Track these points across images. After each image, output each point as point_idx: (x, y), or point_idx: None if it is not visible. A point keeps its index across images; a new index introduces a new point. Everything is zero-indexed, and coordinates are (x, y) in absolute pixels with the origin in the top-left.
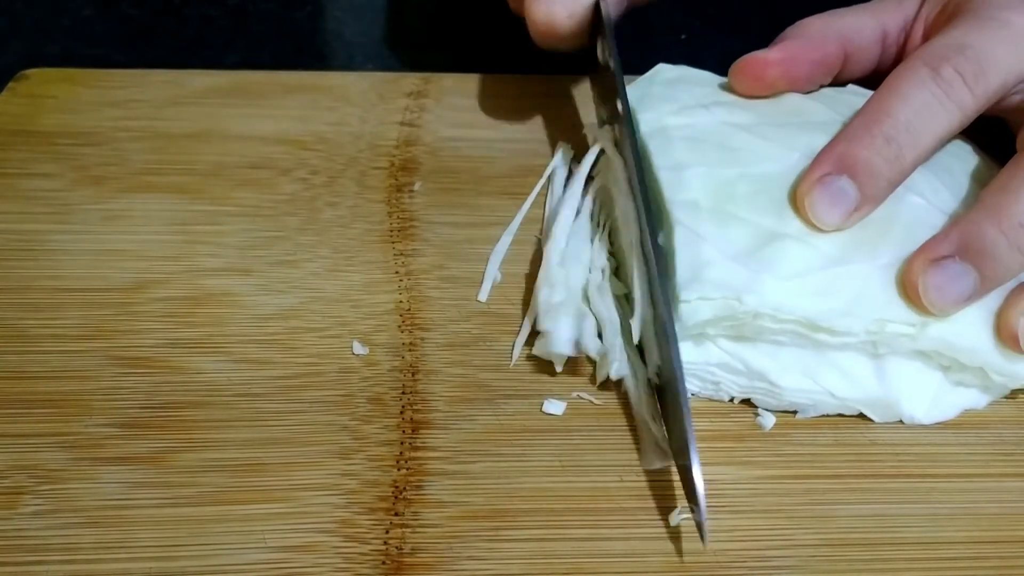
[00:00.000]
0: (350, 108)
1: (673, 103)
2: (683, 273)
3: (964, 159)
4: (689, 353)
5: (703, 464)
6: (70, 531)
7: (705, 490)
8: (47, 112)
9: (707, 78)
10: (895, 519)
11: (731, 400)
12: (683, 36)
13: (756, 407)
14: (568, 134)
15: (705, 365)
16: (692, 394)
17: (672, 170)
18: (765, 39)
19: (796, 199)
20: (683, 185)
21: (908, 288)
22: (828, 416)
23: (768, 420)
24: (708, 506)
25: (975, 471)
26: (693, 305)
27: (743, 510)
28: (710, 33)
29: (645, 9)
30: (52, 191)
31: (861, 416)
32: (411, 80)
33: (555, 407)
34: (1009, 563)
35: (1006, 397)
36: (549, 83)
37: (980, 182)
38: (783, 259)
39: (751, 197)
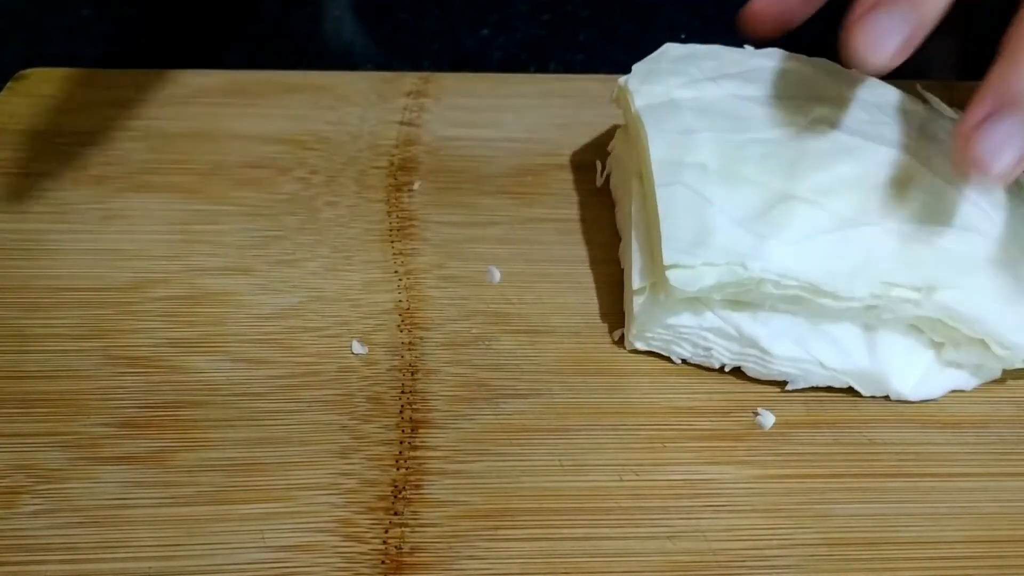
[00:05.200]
0: (349, 108)
1: (682, 77)
2: (687, 238)
3: None
4: (682, 317)
5: (702, 463)
6: (69, 531)
7: None
8: (46, 112)
9: (716, 51)
10: (894, 518)
11: (721, 368)
12: (683, 36)
13: (756, 407)
14: (568, 134)
15: (698, 329)
16: (683, 360)
17: (681, 133)
18: (764, 38)
19: (843, 39)
20: (692, 147)
21: (962, 163)
22: (818, 389)
23: (768, 420)
24: (707, 505)
25: (975, 471)
26: (697, 271)
27: (743, 509)
28: (710, 33)
29: (645, 9)
30: (51, 190)
31: (860, 415)
32: (411, 80)
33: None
34: (1008, 563)
35: (995, 382)
36: (549, 83)
37: None
38: (791, 221)
39: (761, 159)
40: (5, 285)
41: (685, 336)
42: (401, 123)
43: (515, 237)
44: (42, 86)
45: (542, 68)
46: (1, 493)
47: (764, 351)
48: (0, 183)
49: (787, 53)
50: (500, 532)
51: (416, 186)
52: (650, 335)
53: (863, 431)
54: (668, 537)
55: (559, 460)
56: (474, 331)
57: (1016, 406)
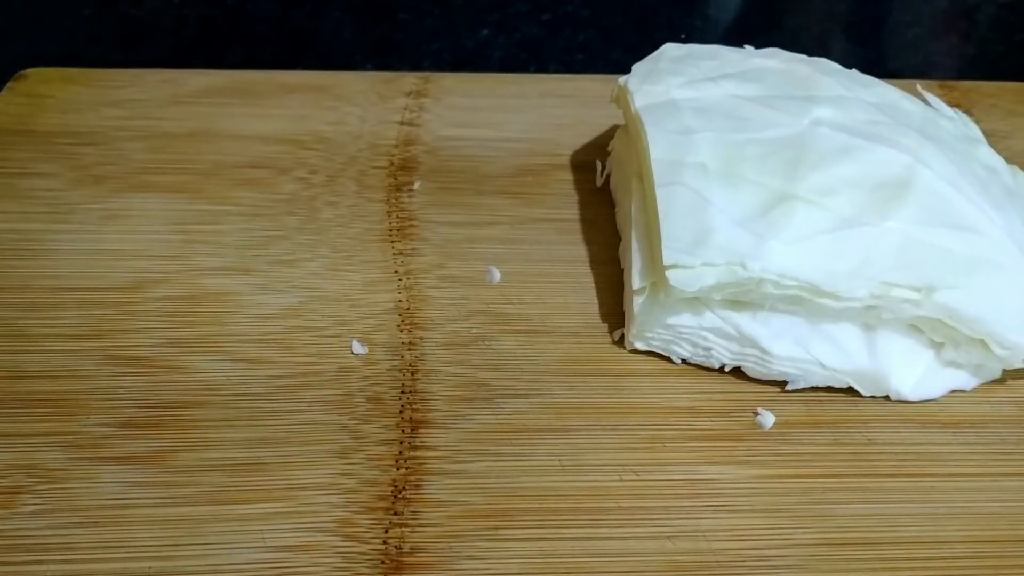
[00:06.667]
0: (350, 108)
1: (681, 76)
2: (687, 238)
3: (967, 141)
4: (682, 317)
5: (702, 463)
6: (69, 531)
7: None
8: (46, 112)
9: (716, 51)
10: (894, 518)
11: (721, 368)
12: (683, 36)
13: (756, 407)
14: (568, 134)
15: (698, 329)
16: (683, 360)
17: (681, 133)
18: (763, 38)
19: None
20: (692, 147)
21: None
22: (818, 389)
23: (768, 420)
24: (707, 505)
25: (975, 471)
26: (697, 271)
27: (743, 509)
28: (710, 33)
29: (645, 9)
30: (51, 190)
31: (860, 415)
32: (411, 80)
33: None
34: (1008, 562)
35: (995, 382)
36: (548, 83)
37: (979, 161)
38: (790, 222)
39: (761, 159)
40: (5, 285)
41: (685, 336)
42: (401, 123)
43: (515, 237)
44: (42, 86)
45: (542, 68)
46: (1, 493)
47: (764, 351)
48: (0, 183)
49: (787, 53)
50: (500, 532)
51: (416, 186)
52: (650, 335)
53: (863, 431)
54: (668, 537)
55: (559, 460)
56: (474, 331)
57: (1016, 406)
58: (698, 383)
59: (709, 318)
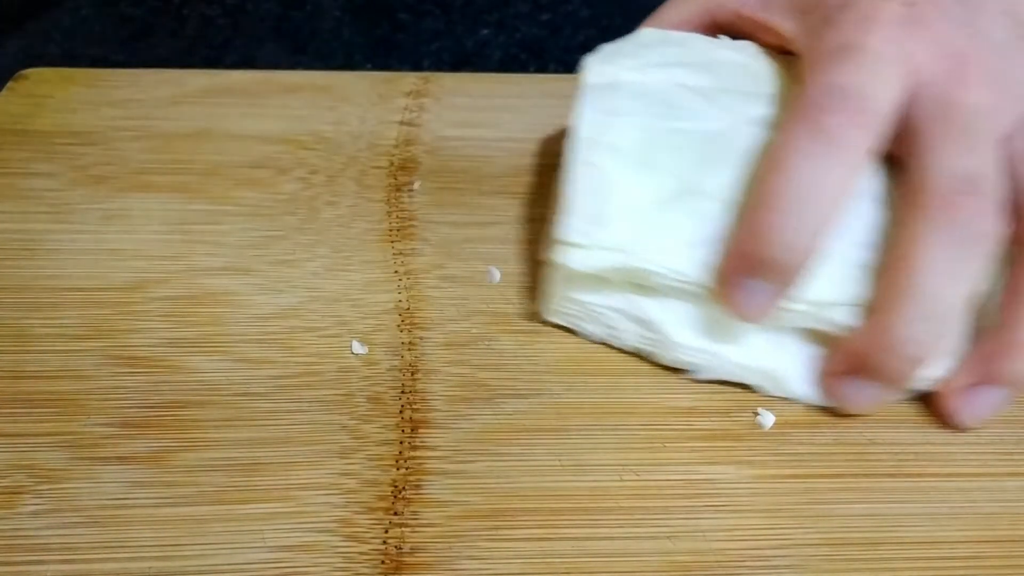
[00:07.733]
0: (349, 108)
1: (636, 59)
2: (585, 216)
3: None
4: (591, 295)
5: (702, 463)
6: (69, 531)
7: None
8: (46, 112)
9: (687, 39)
10: (894, 518)
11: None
12: None
13: (756, 407)
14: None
15: (604, 308)
16: (594, 340)
17: (604, 114)
18: None
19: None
20: (609, 128)
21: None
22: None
23: (768, 420)
24: (708, 505)
25: (975, 471)
26: (590, 252)
27: (743, 510)
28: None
29: (645, 9)
30: (51, 190)
31: (860, 415)
32: (411, 80)
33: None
34: (1009, 563)
35: None
36: (548, 83)
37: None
38: (692, 216)
39: (677, 150)
40: (5, 285)
41: (594, 315)
42: (401, 123)
43: (515, 237)
44: (42, 86)
45: (542, 68)
46: (1, 493)
47: (667, 337)
48: (0, 183)
49: (759, 48)
50: (500, 532)
51: (416, 186)
52: (562, 310)
53: (863, 431)
54: (668, 537)
55: (559, 460)
56: (474, 331)
57: (1016, 406)
58: (698, 383)
59: (616, 299)
